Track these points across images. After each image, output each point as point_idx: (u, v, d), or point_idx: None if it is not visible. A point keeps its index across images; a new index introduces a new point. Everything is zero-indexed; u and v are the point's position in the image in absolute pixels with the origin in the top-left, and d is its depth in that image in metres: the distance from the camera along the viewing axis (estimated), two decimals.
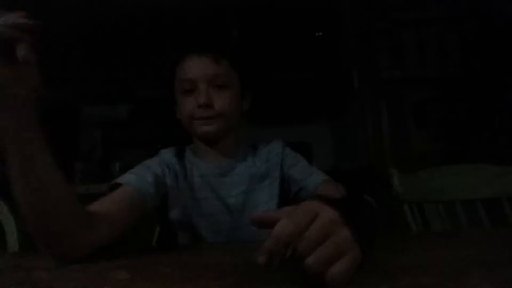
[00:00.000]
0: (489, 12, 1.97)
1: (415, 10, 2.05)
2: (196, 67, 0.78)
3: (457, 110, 1.98)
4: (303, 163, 0.85)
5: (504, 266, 0.46)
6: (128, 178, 0.73)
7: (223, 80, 0.79)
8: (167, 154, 0.85)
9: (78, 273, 0.50)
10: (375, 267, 0.46)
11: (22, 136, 0.50)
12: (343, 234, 0.38)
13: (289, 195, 0.83)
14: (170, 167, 0.82)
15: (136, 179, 0.73)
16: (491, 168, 0.98)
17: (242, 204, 0.81)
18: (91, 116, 2.46)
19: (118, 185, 0.71)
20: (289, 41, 2.34)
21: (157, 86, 1.38)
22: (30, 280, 0.48)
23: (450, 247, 0.57)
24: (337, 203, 0.41)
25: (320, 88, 2.48)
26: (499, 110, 1.93)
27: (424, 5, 2.05)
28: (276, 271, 0.47)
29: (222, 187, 0.82)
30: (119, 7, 2.19)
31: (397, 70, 2.02)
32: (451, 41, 2.03)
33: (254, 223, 0.40)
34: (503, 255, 0.51)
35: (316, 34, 2.50)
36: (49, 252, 0.55)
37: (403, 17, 2.05)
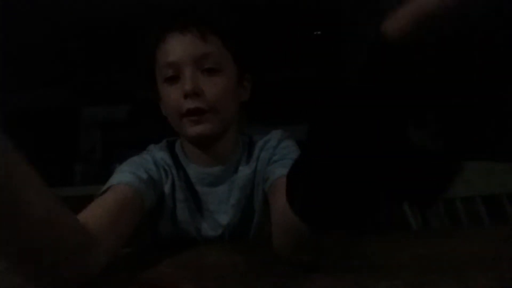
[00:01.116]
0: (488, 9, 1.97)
1: None
2: (179, 47, 0.63)
3: (456, 108, 1.98)
4: (286, 160, 0.65)
5: (504, 263, 0.46)
6: (121, 178, 0.60)
7: (214, 61, 0.63)
8: (160, 153, 0.70)
9: None
10: (375, 264, 0.46)
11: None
12: None
13: None
14: (167, 170, 0.68)
15: (132, 177, 0.60)
16: (491, 165, 0.98)
17: (235, 218, 0.69)
18: (91, 117, 2.46)
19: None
20: (287, 40, 2.34)
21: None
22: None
23: (450, 245, 0.57)
24: None
25: (319, 87, 2.48)
26: (497, 108, 1.93)
27: None
28: (276, 271, 0.47)
29: (214, 200, 0.69)
30: (120, 8, 2.19)
31: None
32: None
33: None
34: (503, 253, 0.51)
35: (315, 33, 2.50)
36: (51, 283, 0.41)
37: None
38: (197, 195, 0.70)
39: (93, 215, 0.49)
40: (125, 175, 0.61)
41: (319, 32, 2.49)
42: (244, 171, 0.69)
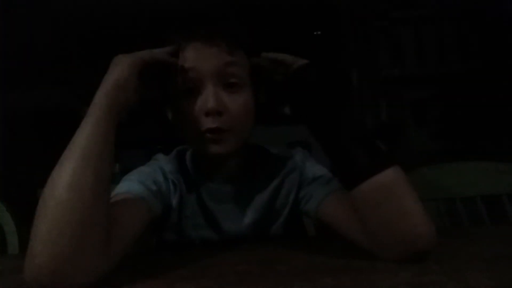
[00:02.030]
0: (488, 10, 1.97)
1: (414, 9, 2.05)
2: (202, 59, 0.58)
3: (456, 108, 1.98)
4: (322, 178, 0.66)
5: (504, 263, 0.46)
6: (129, 186, 0.59)
7: (237, 76, 0.59)
8: (168, 165, 0.68)
9: None
10: (374, 264, 0.46)
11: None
12: None
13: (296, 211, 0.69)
14: (176, 184, 0.66)
15: (141, 187, 0.59)
16: (491, 165, 0.98)
17: (247, 234, 0.67)
18: None
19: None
20: (287, 40, 2.34)
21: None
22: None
23: (450, 244, 0.57)
24: None
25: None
26: (498, 108, 1.93)
27: (423, 3, 2.05)
28: (276, 271, 0.47)
29: (226, 218, 0.67)
30: (120, 7, 2.19)
31: (396, 68, 2.02)
32: (450, 39, 2.02)
33: None
34: (503, 252, 0.51)
35: (315, 33, 2.50)
36: (62, 274, 0.40)
37: (402, 16, 2.05)
38: (208, 210, 0.67)
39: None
40: (134, 185, 0.60)
41: (319, 32, 2.49)
42: (263, 195, 0.68)
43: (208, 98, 0.57)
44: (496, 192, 0.94)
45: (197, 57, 0.59)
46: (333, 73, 0.59)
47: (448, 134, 1.97)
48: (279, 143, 0.86)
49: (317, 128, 0.54)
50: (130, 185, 0.60)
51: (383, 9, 2.05)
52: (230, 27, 0.62)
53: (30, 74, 2.32)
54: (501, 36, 1.95)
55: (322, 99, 0.54)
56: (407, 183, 0.49)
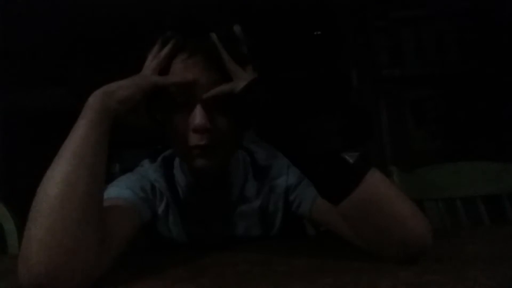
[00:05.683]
0: (488, 10, 1.97)
1: (414, 9, 2.05)
2: (191, 73, 0.55)
3: (456, 108, 1.98)
4: (305, 181, 0.64)
5: (504, 263, 0.46)
6: (119, 192, 0.59)
7: (227, 94, 0.56)
8: (154, 174, 0.67)
9: None
10: (375, 264, 0.46)
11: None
12: None
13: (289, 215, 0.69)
14: (163, 193, 0.66)
15: (130, 193, 0.59)
16: (491, 165, 0.98)
17: (239, 239, 0.68)
18: None
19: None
20: (287, 40, 2.34)
21: None
22: None
23: (450, 244, 0.57)
24: None
25: (318, 87, 2.48)
26: (497, 108, 1.93)
27: (423, 3, 2.05)
28: (276, 271, 0.47)
29: (216, 225, 0.67)
30: (120, 7, 2.19)
31: (396, 68, 2.02)
32: (449, 39, 2.02)
33: None
34: (503, 252, 0.51)
35: (315, 33, 2.50)
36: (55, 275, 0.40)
37: (402, 16, 2.05)
38: (196, 220, 0.67)
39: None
40: (123, 190, 0.60)
41: (319, 32, 2.48)
42: (253, 203, 0.68)
43: (196, 114, 0.55)
44: (496, 192, 0.95)
45: (186, 71, 0.56)
46: (285, 88, 0.54)
47: (448, 134, 1.97)
48: None
49: (279, 147, 0.53)
50: (119, 190, 0.59)
51: (383, 9, 2.05)
52: (224, 39, 0.57)
53: (30, 74, 2.32)
54: (500, 36, 1.95)
55: (275, 117, 0.52)
56: (390, 186, 0.48)
